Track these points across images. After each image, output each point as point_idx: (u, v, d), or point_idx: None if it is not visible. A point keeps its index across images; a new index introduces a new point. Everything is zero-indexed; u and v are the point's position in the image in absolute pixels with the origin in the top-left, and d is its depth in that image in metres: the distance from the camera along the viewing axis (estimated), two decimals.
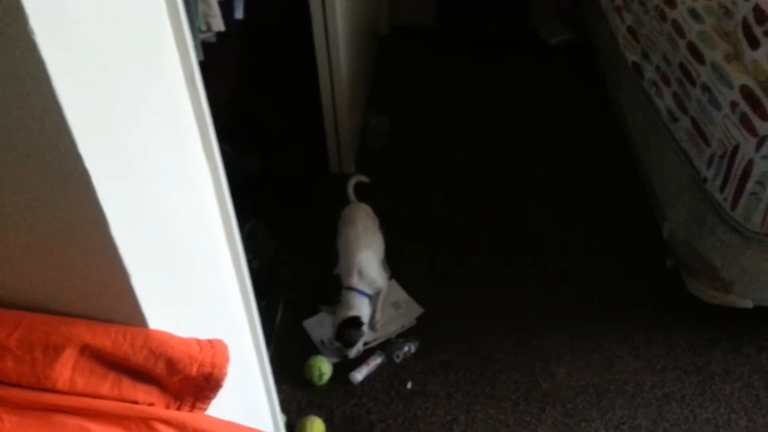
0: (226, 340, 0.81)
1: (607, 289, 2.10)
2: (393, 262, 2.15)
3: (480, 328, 1.99)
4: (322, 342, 1.93)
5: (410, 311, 2.03)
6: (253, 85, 2.46)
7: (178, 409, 0.78)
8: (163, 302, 0.74)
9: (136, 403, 0.74)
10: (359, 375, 1.83)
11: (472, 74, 3.15)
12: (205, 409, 0.81)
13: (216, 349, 0.77)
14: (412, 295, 2.08)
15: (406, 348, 1.88)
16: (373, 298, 1.97)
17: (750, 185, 1.68)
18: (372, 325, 1.97)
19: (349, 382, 1.82)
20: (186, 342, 0.75)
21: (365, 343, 1.92)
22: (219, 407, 0.83)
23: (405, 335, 1.95)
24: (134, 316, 0.69)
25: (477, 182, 2.54)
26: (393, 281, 2.11)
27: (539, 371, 1.87)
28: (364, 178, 2.21)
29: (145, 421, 0.74)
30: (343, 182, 2.24)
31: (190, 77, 0.78)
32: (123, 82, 0.62)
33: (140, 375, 0.73)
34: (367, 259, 1.95)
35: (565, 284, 2.12)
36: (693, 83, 1.94)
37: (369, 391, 1.82)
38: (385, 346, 1.91)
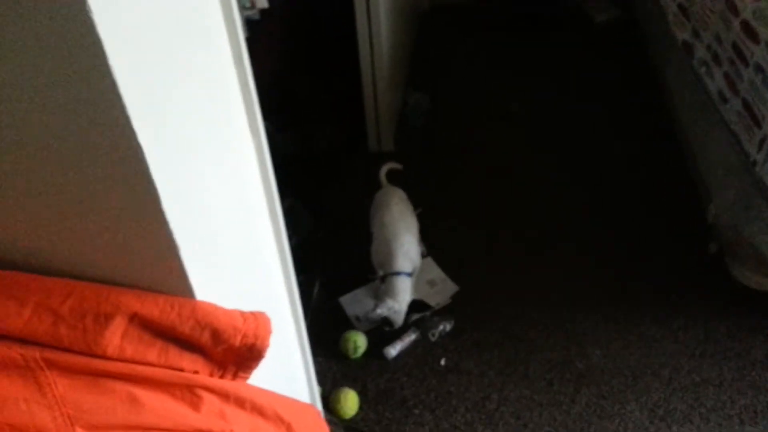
0: (267, 313, 0.84)
1: (647, 272, 2.07)
2: (429, 240, 2.16)
3: (514, 308, 1.98)
4: (357, 318, 1.95)
5: (445, 289, 2.03)
6: (293, 63, 2.47)
7: (221, 377, 0.81)
8: (208, 274, 0.76)
9: (181, 370, 0.77)
10: (393, 350, 1.85)
11: (514, 52, 3.10)
12: (246, 378, 0.84)
13: (259, 321, 0.80)
14: (448, 274, 2.09)
15: (441, 327, 1.89)
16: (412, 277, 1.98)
17: None
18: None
19: (383, 357, 1.85)
20: (230, 313, 0.78)
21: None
22: (259, 377, 0.86)
23: (440, 313, 1.96)
24: (182, 287, 0.71)
25: (516, 163, 2.52)
26: (429, 259, 2.12)
27: (574, 352, 1.86)
28: (396, 165, 2.20)
29: (190, 388, 0.77)
30: (381, 161, 2.24)
31: (237, 55, 0.80)
32: (174, 59, 0.64)
33: (186, 344, 0.76)
34: (409, 241, 1.95)
35: (603, 266, 2.09)
36: (746, 63, 1.88)
37: (403, 366, 1.84)
38: (419, 323, 1.92)
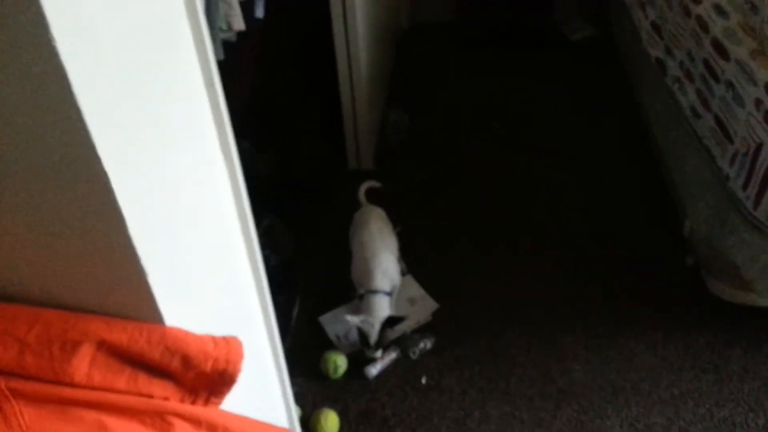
0: (240, 336, 0.83)
1: (626, 287, 2.09)
2: (408, 258, 2.16)
3: (495, 324, 1.99)
4: (338, 337, 1.95)
5: (425, 307, 2.03)
6: (272, 84, 2.47)
7: (193, 403, 0.80)
8: (178, 299, 0.75)
9: (151, 397, 0.76)
10: (374, 370, 1.84)
11: (492, 70, 3.13)
12: (219, 403, 0.83)
13: (231, 345, 0.79)
14: (428, 291, 2.09)
15: (421, 344, 1.89)
16: (391, 296, 1.98)
17: None
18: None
19: (364, 377, 1.84)
20: (201, 339, 0.77)
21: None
22: (233, 401, 0.85)
23: (420, 331, 1.96)
24: (150, 313, 0.71)
25: (496, 179, 2.53)
26: (409, 277, 2.12)
27: (555, 368, 1.87)
28: (375, 184, 2.21)
29: (161, 414, 0.76)
30: (361, 179, 2.25)
31: (209, 79, 0.80)
32: (141, 83, 0.64)
33: (156, 370, 0.75)
34: (387, 260, 1.95)
35: (582, 282, 2.11)
36: (717, 80, 1.91)
37: (384, 385, 1.83)
38: (400, 342, 1.92)
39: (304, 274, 2.14)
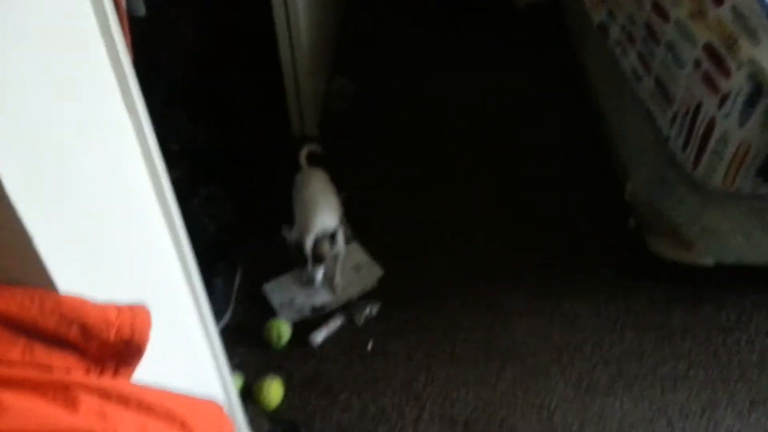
0: (159, 305, 0.79)
1: (569, 250, 2.10)
2: (353, 225, 2.13)
3: (441, 289, 1.98)
4: (282, 305, 1.91)
5: (371, 273, 2.01)
6: (209, 51, 2.38)
7: (101, 374, 0.76)
8: (76, 266, 0.70)
9: (51, 369, 0.71)
10: (319, 337, 1.82)
11: (438, 39, 3.08)
12: (129, 374, 0.78)
13: (136, 313, 0.74)
14: (373, 257, 2.06)
15: (367, 310, 1.87)
16: (334, 261, 1.95)
17: (712, 144, 1.67)
18: (332, 288, 1.95)
19: (308, 345, 1.82)
20: (102, 307, 0.72)
21: (323, 307, 1.90)
22: (157, 372, 0.81)
23: (366, 297, 1.94)
24: (42, 279, 0.66)
25: (440, 148, 2.51)
26: (354, 243, 2.09)
27: (499, 330, 1.88)
28: (316, 148, 2.16)
29: (64, 387, 0.72)
30: (303, 146, 2.19)
31: (104, 25, 0.73)
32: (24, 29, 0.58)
33: (53, 340, 0.70)
34: (328, 213, 1.91)
35: (526, 245, 2.12)
36: (657, 42, 1.91)
37: (329, 353, 1.81)
38: (345, 309, 1.90)
39: (247, 243, 2.09)
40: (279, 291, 1.95)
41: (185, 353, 1.07)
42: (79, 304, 0.70)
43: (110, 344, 0.73)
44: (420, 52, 3.01)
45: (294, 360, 1.79)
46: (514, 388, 1.73)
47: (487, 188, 2.32)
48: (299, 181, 2.03)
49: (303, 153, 2.11)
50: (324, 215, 1.89)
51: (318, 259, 1.83)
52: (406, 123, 2.63)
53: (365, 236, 2.13)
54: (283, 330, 1.80)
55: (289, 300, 1.91)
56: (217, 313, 1.85)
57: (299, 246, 1.82)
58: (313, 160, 2.14)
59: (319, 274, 1.85)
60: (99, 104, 0.76)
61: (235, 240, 2.05)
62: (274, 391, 1.66)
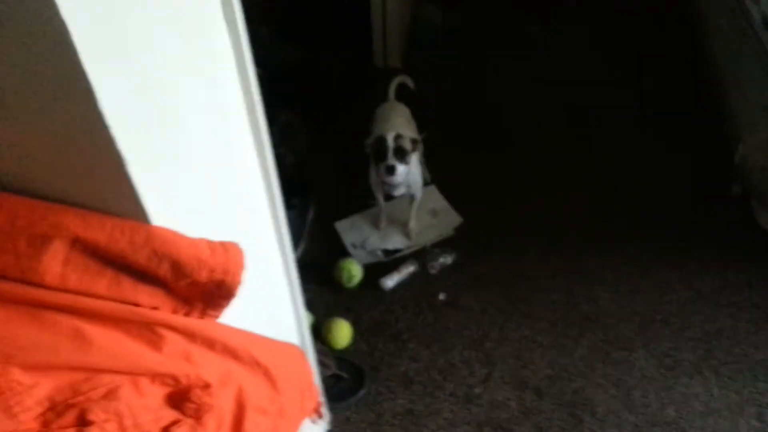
0: (244, 242, 0.71)
1: (664, 213, 1.94)
2: (433, 167, 2.02)
3: (520, 244, 1.87)
4: (354, 245, 1.84)
5: (448, 220, 1.91)
6: None
7: (187, 314, 0.70)
8: (169, 196, 0.63)
9: (137, 305, 0.65)
10: (390, 282, 1.75)
11: None
12: (217, 316, 0.72)
13: (230, 253, 0.67)
14: (452, 204, 1.96)
15: (441, 259, 1.79)
16: (409, 205, 1.86)
17: None
18: (407, 233, 1.87)
19: (379, 289, 1.75)
20: (195, 243, 0.65)
21: (396, 251, 1.83)
22: (236, 310, 0.75)
23: (441, 245, 1.85)
24: (133, 208, 0.58)
25: (531, 93, 2.34)
26: (432, 187, 1.99)
27: (580, 294, 1.76)
28: (408, 80, 2.02)
29: (149, 325, 0.66)
30: (387, 77, 2.06)
31: None
32: None
33: (142, 276, 0.64)
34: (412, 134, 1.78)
35: (614, 207, 1.96)
36: None
37: (399, 299, 1.75)
38: (419, 255, 1.82)
39: (322, 176, 2.01)
40: (352, 230, 1.88)
41: (267, 292, 1.01)
42: (172, 237, 0.63)
43: (201, 284, 0.66)
44: None
45: (363, 303, 1.73)
46: (593, 357, 1.63)
47: (576, 145, 2.16)
48: (380, 115, 1.90)
49: (393, 83, 1.98)
50: (405, 131, 1.76)
51: (400, 153, 1.69)
52: (496, 61, 2.45)
53: (445, 180, 2.02)
54: (354, 271, 1.74)
55: (361, 241, 1.84)
56: None
57: (381, 140, 1.68)
58: (400, 94, 2.00)
59: (401, 171, 1.69)
60: (197, 27, 0.66)
61: (311, 173, 1.98)
62: (342, 332, 1.62)
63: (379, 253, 1.82)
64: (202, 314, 0.70)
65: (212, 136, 0.73)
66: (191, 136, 0.67)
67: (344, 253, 1.83)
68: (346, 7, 2.47)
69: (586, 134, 2.18)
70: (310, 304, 1.70)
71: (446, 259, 1.79)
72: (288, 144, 2.01)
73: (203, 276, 0.65)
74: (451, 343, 1.66)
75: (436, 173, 2.02)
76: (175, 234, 0.63)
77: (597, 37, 2.55)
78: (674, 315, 1.70)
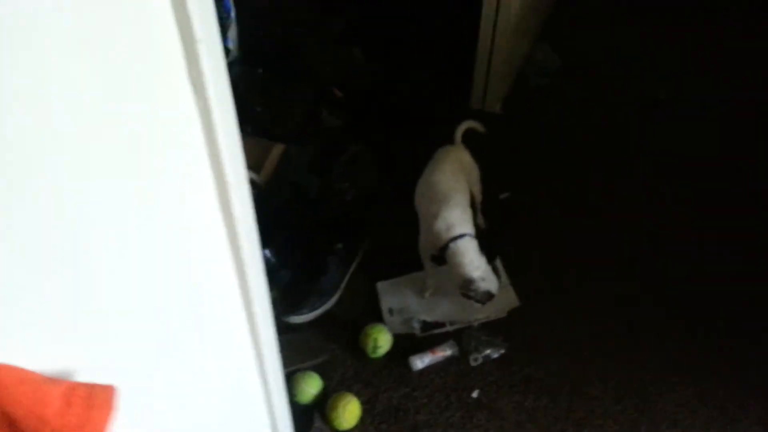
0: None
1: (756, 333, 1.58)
2: (504, 235, 1.77)
3: (583, 351, 1.58)
4: (391, 311, 1.63)
5: (504, 300, 1.64)
6: None
7: None
8: (24, 308, 0.45)
9: None
10: (420, 363, 1.52)
11: (672, 30, 2.48)
12: None
13: (93, 411, 0.49)
14: (513, 282, 1.69)
15: (487, 351, 1.53)
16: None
17: None
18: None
19: (407, 366, 1.53)
20: (43, 392, 0.47)
21: (438, 325, 1.60)
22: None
23: (489, 329, 1.59)
24: None
25: (645, 162, 2.02)
26: (496, 259, 1.73)
27: (643, 429, 1.45)
28: (478, 126, 1.77)
29: None
30: (481, 121, 1.81)
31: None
32: None
33: None
34: (463, 203, 1.55)
35: (711, 328, 1.62)
36: None
37: (426, 385, 1.52)
38: (461, 336, 1.57)
39: (381, 222, 1.81)
40: (391, 294, 1.67)
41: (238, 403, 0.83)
42: (10, 381, 0.46)
43: None
44: (646, 40, 2.45)
45: (384, 380, 1.52)
46: None
47: (681, 224, 1.83)
48: (437, 157, 1.66)
49: (461, 127, 1.73)
50: (461, 209, 1.53)
51: (440, 261, 1.50)
52: (612, 121, 2.15)
53: (509, 251, 1.75)
54: (381, 341, 1.53)
55: (399, 307, 1.63)
56: (322, 297, 1.63)
57: (468, 282, 1.48)
58: (469, 140, 1.75)
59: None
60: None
61: (368, 214, 1.80)
62: (349, 413, 1.41)
63: (416, 324, 1.60)
64: None
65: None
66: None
67: (378, 317, 1.62)
68: (450, 38, 2.27)
69: (693, 220, 1.84)
70: (326, 369, 1.52)
71: (492, 353, 1.54)
72: (352, 178, 1.84)
73: None
74: None
75: (505, 243, 1.77)
76: (17, 376, 0.46)
77: (726, 106, 2.19)
78: None
